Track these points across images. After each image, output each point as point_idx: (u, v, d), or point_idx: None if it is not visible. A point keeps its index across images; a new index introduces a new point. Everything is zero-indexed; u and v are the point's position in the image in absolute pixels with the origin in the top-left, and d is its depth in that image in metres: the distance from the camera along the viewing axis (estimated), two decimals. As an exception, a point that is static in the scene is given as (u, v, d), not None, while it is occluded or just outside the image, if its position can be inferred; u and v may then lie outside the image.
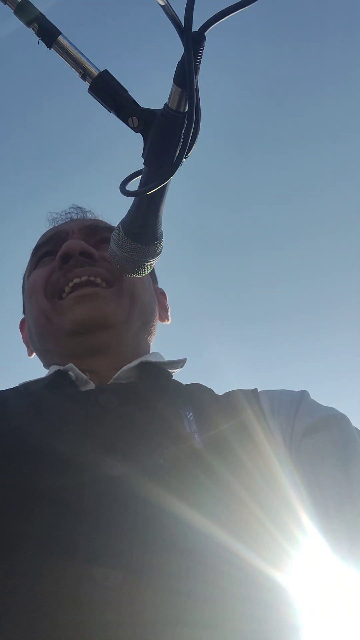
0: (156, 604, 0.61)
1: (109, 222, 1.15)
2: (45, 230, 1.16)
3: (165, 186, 0.71)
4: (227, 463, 0.77)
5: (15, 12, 0.68)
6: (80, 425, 0.79)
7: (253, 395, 0.93)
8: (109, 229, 1.10)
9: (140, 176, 0.73)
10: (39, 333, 1.04)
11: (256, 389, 0.95)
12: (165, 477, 0.72)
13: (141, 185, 0.73)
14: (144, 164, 0.72)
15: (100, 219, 1.17)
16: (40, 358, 1.09)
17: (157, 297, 1.16)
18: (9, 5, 0.68)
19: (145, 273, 0.81)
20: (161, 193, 0.73)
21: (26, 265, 1.16)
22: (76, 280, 0.98)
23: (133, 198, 0.75)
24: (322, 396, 0.92)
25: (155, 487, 0.71)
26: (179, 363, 1.01)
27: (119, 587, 0.60)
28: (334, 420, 0.85)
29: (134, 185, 0.74)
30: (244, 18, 0.64)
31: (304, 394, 0.92)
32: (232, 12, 0.63)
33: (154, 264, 0.81)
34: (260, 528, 0.72)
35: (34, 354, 1.11)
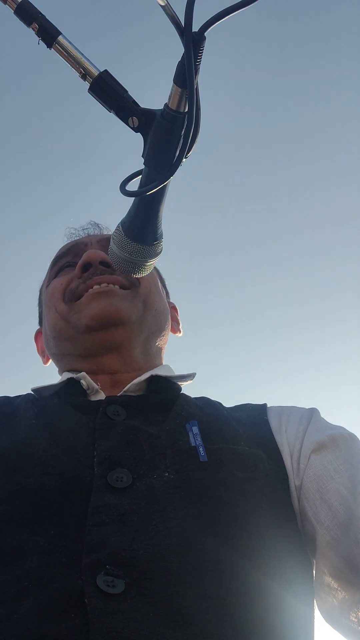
0: (161, 610, 0.60)
1: None
2: (64, 244, 1.21)
3: (165, 186, 0.71)
4: (231, 477, 0.77)
5: (16, 12, 0.68)
6: (88, 437, 0.81)
7: (262, 410, 0.94)
8: None
9: (140, 176, 0.73)
10: (55, 336, 1.07)
11: (265, 404, 0.97)
12: (170, 491, 0.73)
13: (141, 185, 0.73)
14: (144, 164, 0.72)
15: None
16: (55, 363, 1.12)
17: (169, 309, 1.19)
18: (9, 5, 0.68)
19: (145, 273, 0.81)
20: (161, 193, 0.73)
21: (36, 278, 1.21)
22: (96, 287, 1.03)
23: (133, 198, 0.75)
24: (327, 407, 0.92)
25: (159, 499, 0.71)
26: (189, 377, 1.04)
27: (123, 595, 0.60)
28: (343, 438, 0.85)
29: (134, 185, 0.74)
30: (242, 19, 0.64)
31: (313, 411, 0.93)
32: (232, 12, 0.63)
33: (154, 264, 0.81)
34: (263, 543, 0.72)
35: (49, 361, 1.16)
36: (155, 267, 1.20)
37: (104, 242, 1.14)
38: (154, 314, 1.06)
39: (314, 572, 0.79)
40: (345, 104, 3.04)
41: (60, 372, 1.09)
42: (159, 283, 1.17)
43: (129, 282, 1.06)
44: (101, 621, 0.57)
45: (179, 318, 1.24)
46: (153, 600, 0.61)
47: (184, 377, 1.03)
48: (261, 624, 0.64)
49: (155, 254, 0.79)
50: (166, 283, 1.26)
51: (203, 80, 0.66)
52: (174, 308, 1.24)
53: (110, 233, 1.17)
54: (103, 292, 1.02)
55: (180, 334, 1.22)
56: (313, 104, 3.18)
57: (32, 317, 1.24)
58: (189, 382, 1.05)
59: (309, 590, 0.77)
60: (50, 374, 1.15)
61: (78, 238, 1.20)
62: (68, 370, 1.05)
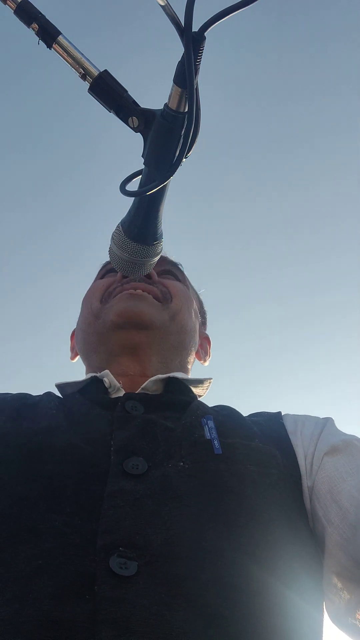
0: (172, 592, 0.61)
1: (173, 258, 1.26)
2: None
3: (165, 186, 0.71)
4: (244, 470, 0.78)
5: (15, 12, 0.68)
6: (106, 427, 0.83)
7: (277, 415, 0.97)
8: (172, 263, 1.24)
9: (140, 176, 0.73)
10: (85, 330, 1.12)
11: (280, 412, 0.99)
12: (184, 479, 0.74)
13: (141, 185, 0.73)
14: (144, 164, 0.72)
15: (167, 255, 1.26)
16: (83, 360, 1.17)
17: (201, 338, 1.24)
18: (9, 6, 0.68)
19: (145, 273, 0.81)
20: (161, 193, 0.73)
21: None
22: (130, 291, 1.08)
23: (133, 198, 0.75)
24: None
25: (174, 486, 0.73)
26: (205, 382, 1.08)
27: (135, 577, 0.61)
28: (356, 444, 0.86)
29: (134, 185, 0.74)
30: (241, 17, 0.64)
31: (328, 419, 0.95)
32: (232, 12, 0.64)
33: (154, 264, 0.81)
34: (273, 535, 0.73)
35: (77, 357, 1.20)
36: (198, 296, 1.28)
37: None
38: (179, 329, 1.10)
39: (323, 571, 0.79)
40: (347, 97, 3.04)
41: (88, 369, 1.14)
42: (195, 307, 1.21)
43: (163, 297, 1.11)
44: (109, 610, 0.58)
45: (209, 350, 1.28)
46: (164, 583, 0.62)
47: (200, 381, 1.07)
48: (271, 610, 0.65)
49: (155, 254, 0.79)
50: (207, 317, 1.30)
51: (205, 74, 0.66)
52: (206, 339, 1.28)
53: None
54: (135, 295, 1.07)
55: (205, 364, 1.26)
56: (314, 97, 3.18)
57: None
58: (206, 389, 1.09)
59: (317, 586, 0.78)
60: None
61: None
62: (92, 371, 1.09)
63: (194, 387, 1.05)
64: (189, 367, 1.17)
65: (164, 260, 1.21)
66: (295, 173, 3.33)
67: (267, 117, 3.26)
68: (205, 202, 3.37)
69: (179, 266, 1.25)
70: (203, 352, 1.25)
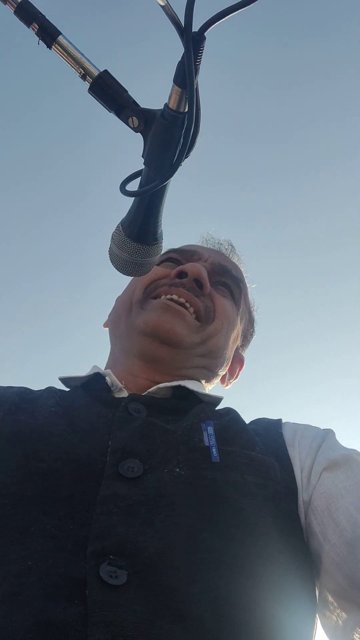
0: (161, 603, 0.60)
1: (245, 273, 1.21)
2: (189, 244, 1.22)
3: (165, 186, 0.71)
4: (241, 480, 0.77)
5: (15, 12, 0.68)
6: (105, 427, 0.82)
7: (277, 424, 0.95)
8: (235, 279, 1.16)
9: (140, 176, 0.73)
10: (119, 314, 1.11)
11: (280, 419, 0.97)
12: (179, 486, 0.73)
13: (141, 185, 0.73)
14: (144, 164, 0.72)
15: (242, 268, 1.22)
16: (110, 336, 1.15)
17: (234, 360, 1.20)
18: (8, 6, 0.68)
19: (144, 273, 0.81)
20: (161, 193, 0.73)
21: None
22: (174, 297, 1.03)
23: (133, 198, 0.75)
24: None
25: (168, 493, 0.72)
26: (216, 399, 1.02)
27: (125, 587, 0.60)
28: (356, 460, 0.85)
29: (134, 185, 0.74)
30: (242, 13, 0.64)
31: (328, 432, 0.93)
32: (232, 12, 0.63)
33: (154, 264, 0.81)
34: (267, 548, 0.72)
35: (107, 327, 1.18)
36: (250, 315, 1.22)
37: (217, 266, 1.15)
38: (206, 352, 1.06)
39: (317, 589, 0.78)
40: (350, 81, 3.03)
41: (111, 345, 1.13)
42: (237, 331, 1.16)
43: (205, 315, 1.06)
44: (100, 614, 0.57)
45: (238, 373, 1.23)
46: (154, 594, 0.61)
47: (211, 397, 1.02)
48: (260, 626, 0.64)
49: (155, 254, 0.79)
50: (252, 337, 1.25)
51: (209, 60, 0.66)
52: (240, 361, 1.23)
53: (237, 262, 1.23)
54: (174, 308, 1.02)
55: (227, 387, 1.21)
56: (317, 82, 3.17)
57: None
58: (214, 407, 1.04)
59: (310, 602, 0.76)
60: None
61: (204, 248, 1.22)
62: (111, 354, 1.10)
63: (203, 400, 1.00)
64: (209, 386, 1.13)
65: (227, 272, 1.16)
66: (297, 161, 3.32)
67: (269, 103, 3.25)
68: (203, 193, 3.36)
69: (241, 283, 1.18)
70: (229, 375, 1.20)
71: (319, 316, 3.55)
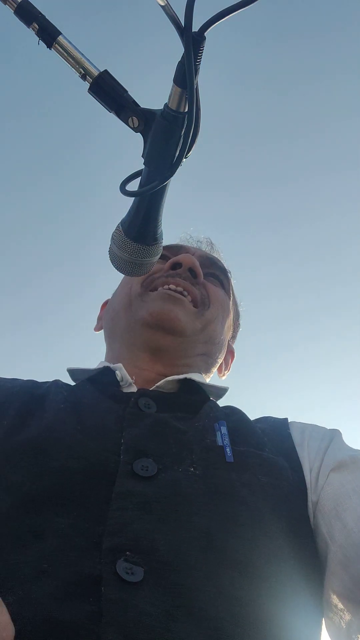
0: (176, 602, 0.60)
1: (225, 264, 1.25)
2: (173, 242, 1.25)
3: (165, 186, 0.71)
4: (255, 481, 0.77)
5: (16, 12, 0.68)
6: (116, 424, 0.82)
7: (284, 423, 0.96)
8: (223, 269, 1.21)
9: (140, 176, 0.73)
10: (116, 311, 1.12)
11: (287, 419, 0.98)
12: (194, 486, 0.73)
13: (141, 185, 0.73)
14: (144, 164, 0.72)
15: (223, 262, 1.25)
16: (105, 337, 1.16)
17: (226, 351, 1.22)
18: (8, 6, 0.68)
19: (144, 273, 0.81)
20: (161, 193, 0.73)
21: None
22: (172, 287, 1.06)
23: (133, 198, 0.75)
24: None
25: (183, 492, 0.71)
26: (221, 390, 1.06)
27: (141, 584, 0.60)
28: None
29: (134, 185, 0.74)
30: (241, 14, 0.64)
31: (336, 432, 0.93)
32: (232, 12, 0.63)
33: (154, 264, 0.81)
34: (281, 548, 0.72)
35: (101, 330, 1.20)
36: (237, 307, 1.26)
37: (204, 258, 1.18)
38: (207, 339, 1.08)
39: (323, 589, 0.78)
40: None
41: (106, 349, 1.14)
42: (230, 319, 1.19)
43: (201, 302, 1.09)
44: (114, 613, 0.57)
45: (230, 365, 1.26)
46: (169, 592, 0.61)
47: (216, 388, 1.05)
48: (273, 626, 0.64)
49: (154, 254, 0.79)
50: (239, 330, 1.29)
51: (207, 60, 0.66)
52: (231, 352, 1.27)
53: (219, 257, 1.25)
54: (173, 297, 1.04)
55: (223, 377, 1.25)
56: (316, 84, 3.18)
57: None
58: (221, 397, 1.06)
59: (318, 603, 0.76)
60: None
61: (189, 245, 1.25)
62: (110, 352, 1.10)
63: (209, 392, 1.03)
64: (210, 375, 1.15)
65: (214, 263, 1.20)
66: (297, 165, 3.33)
67: (268, 106, 3.25)
68: (204, 196, 3.36)
69: (228, 274, 1.23)
70: (224, 365, 1.24)
71: (321, 317, 3.55)
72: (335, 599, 0.75)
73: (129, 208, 0.77)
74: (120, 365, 1.00)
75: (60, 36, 0.68)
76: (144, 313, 1.03)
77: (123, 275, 1.08)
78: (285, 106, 3.24)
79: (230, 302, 1.20)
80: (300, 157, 3.31)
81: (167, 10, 0.64)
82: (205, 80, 0.66)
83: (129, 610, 0.57)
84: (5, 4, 0.68)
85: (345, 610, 0.74)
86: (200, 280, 1.11)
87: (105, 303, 1.26)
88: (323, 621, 0.78)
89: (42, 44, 0.68)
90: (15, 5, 0.67)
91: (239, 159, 3.37)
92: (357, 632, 0.72)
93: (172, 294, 1.04)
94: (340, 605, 0.75)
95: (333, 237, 3.42)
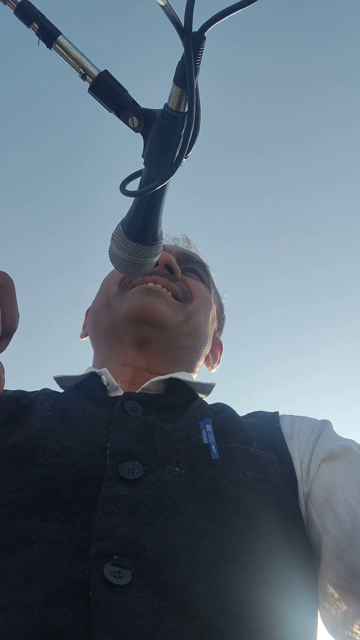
0: (166, 603, 0.60)
1: (205, 260, 1.25)
2: None
3: (165, 186, 0.71)
4: (241, 476, 0.77)
5: (16, 12, 0.68)
6: (103, 429, 0.81)
7: (274, 417, 0.95)
8: (200, 263, 1.22)
9: (140, 176, 0.73)
10: (97, 313, 1.12)
11: (277, 413, 0.97)
12: (180, 485, 0.73)
13: (141, 185, 0.73)
14: (144, 164, 0.72)
15: (201, 257, 1.26)
16: (91, 341, 1.17)
17: (213, 344, 1.23)
18: (8, 6, 0.68)
19: (144, 273, 0.81)
20: (161, 193, 0.73)
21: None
22: (150, 285, 1.06)
23: (133, 198, 0.75)
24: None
25: (170, 493, 0.71)
26: (208, 387, 1.05)
27: (129, 587, 0.60)
28: (355, 450, 0.85)
29: (134, 185, 0.74)
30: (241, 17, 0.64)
31: (326, 423, 0.93)
32: (232, 12, 0.63)
33: (154, 264, 0.81)
34: (270, 543, 0.72)
35: (86, 337, 1.20)
36: (220, 300, 1.27)
37: (181, 255, 1.19)
38: (191, 331, 1.08)
39: (318, 580, 0.78)
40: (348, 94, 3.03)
41: (94, 352, 1.14)
42: (213, 312, 1.19)
43: (183, 296, 1.09)
44: (104, 617, 0.57)
45: (220, 357, 1.27)
46: (158, 593, 0.60)
47: (203, 385, 1.04)
48: (265, 621, 0.64)
49: (154, 254, 0.79)
50: (225, 322, 1.29)
51: (207, 69, 0.66)
52: (218, 345, 1.27)
53: (196, 252, 1.26)
54: (153, 290, 1.05)
55: (212, 370, 1.25)
56: (315, 94, 3.18)
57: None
58: (208, 394, 1.06)
59: (312, 596, 0.77)
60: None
61: (165, 244, 1.24)
62: (97, 355, 1.10)
63: (196, 390, 1.02)
64: (196, 370, 1.15)
65: (191, 258, 1.21)
66: (297, 173, 3.33)
67: (268, 114, 3.25)
68: (205, 201, 3.37)
69: (207, 267, 1.23)
70: (212, 358, 1.24)
71: (313, 304, 3.55)
72: (331, 590, 0.76)
73: (128, 208, 0.77)
74: (105, 370, 1.00)
75: (60, 36, 0.68)
76: (125, 309, 1.04)
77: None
78: (284, 116, 3.25)
79: (212, 295, 1.20)
80: (300, 168, 3.32)
81: (167, 10, 0.64)
82: (204, 89, 0.67)
83: (118, 612, 0.57)
84: (5, 4, 0.68)
85: (341, 600, 0.75)
86: (178, 276, 1.11)
87: (88, 311, 1.26)
88: (318, 612, 0.78)
89: (42, 44, 0.68)
90: (15, 5, 0.67)
91: (239, 170, 3.38)
92: (353, 622, 0.73)
93: (152, 287, 1.05)
94: (336, 595, 0.75)
95: (325, 248, 3.43)
